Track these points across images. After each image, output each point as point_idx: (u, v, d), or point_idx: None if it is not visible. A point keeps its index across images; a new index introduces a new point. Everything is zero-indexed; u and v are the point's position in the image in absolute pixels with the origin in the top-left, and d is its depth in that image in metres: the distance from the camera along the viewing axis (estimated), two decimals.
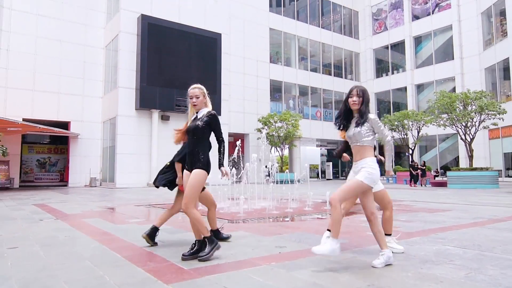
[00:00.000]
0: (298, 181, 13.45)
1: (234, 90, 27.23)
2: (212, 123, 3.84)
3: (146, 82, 20.96)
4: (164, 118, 21.90)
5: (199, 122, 3.82)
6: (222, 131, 3.97)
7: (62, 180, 25.34)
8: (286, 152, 30.43)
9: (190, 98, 3.87)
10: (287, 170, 26.79)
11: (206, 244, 3.65)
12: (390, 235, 3.99)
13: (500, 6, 24.84)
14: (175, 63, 21.81)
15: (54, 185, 24.77)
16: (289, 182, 19.55)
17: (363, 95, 3.45)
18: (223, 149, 3.89)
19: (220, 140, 3.89)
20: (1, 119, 17.40)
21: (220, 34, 23.83)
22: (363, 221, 6.41)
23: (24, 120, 20.08)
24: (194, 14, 23.51)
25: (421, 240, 4.54)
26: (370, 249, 4.05)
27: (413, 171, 21.00)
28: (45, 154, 26.30)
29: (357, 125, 3.41)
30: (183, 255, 3.72)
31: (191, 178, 3.72)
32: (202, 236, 3.71)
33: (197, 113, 3.92)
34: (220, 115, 23.57)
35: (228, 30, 25.64)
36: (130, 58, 21.30)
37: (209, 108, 3.94)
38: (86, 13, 23.45)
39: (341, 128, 3.66)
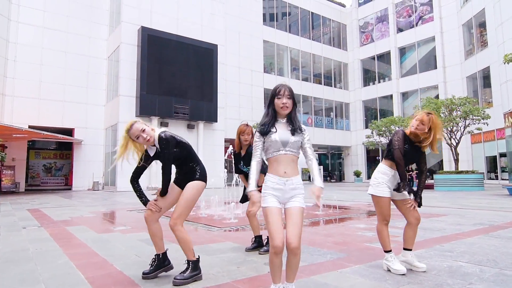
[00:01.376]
0: None
1: (230, 98, 26.48)
2: (162, 149, 2.93)
3: (146, 90, 20.16)
4: (163, 124, 21.08)
5: (166, 152, 2.95)
6: (185, 152, 3.07)
7: (67, 184, 24.39)
8: None
9: (137, 138, 2.89)
10: None
11: (188, 268, 2.88)
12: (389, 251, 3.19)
13: (480, 18, 24.30)
14: (173, 72, 21.05)
15: (59, 189, 23.81)
16: None
17: (293, 96, 2.47)
18: (163, 179, 2.98)
19: (162, 168, 2.95)
20: (7, 126, 16.60)
21: (216, 45, 23.12)
22: (359, 228, 5.64)
23: (30, 127, 19.25)
24: (192, 26, 22.81)
25: (427, 254, 3.75)
26: (374, 265, 3.26)
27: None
28: (51, 159, 25.34)
29: (293, 133, 2.42)
30: (143, 273, 2.98)
31: (187, 191, 2.97)
32: (186, 260, 2.95)
33: (154, 146, 2.99)
34: (216, 121, 22.82)
35: (224, 41, 24.91)
36: (130, 68, 20.54)
37: (157, 130, 2.99)
38: (90, 25, 22.69)
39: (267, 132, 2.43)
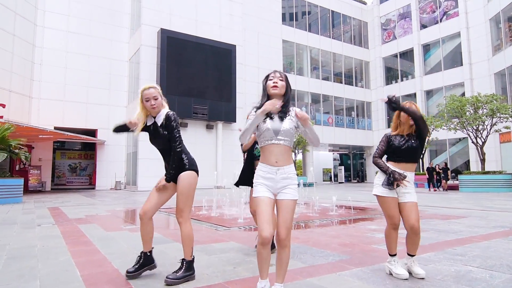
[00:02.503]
0: (311, 184, 12.55)
1: (249, 99, 26.40)
2: (168, 127, 2.92)
3: (165, 91, 20.35)
4: (183, 125, 21.30)
5: (161, 130, 2.95)
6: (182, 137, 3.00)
7: (91, 183, 25.03)
8: (300, 156, 29.39)
9: (147, 101, 2.92)
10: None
11: (182, 267, 2.83)
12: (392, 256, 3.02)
13: (509, 12, 23.21)
14: (192, 73, 21.24)
15: (84, 188, 24.51)
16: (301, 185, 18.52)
17: (287, 81, 2.44)
18: (174, 160, 2.92)
19: (174, 148, 2.91)
20: (32, 127, 17.22)
21: (234, 46, 23.17)
22: (369, 229, 5.45)
23: (55, 128, 19.88)
24: (210, 27, 22.96)
25: (435, 257, 3.55)
26: (376, 269, 3.11)
27: (433, 174, 18.76)
28: (76, 159, 26.10)
29: (282, 119, 2.35)
30: (127, 272, 2.93)
31: (181, 184, 2.91)
32: (181, 259, 2.92)
33: (154, 117, 3.00)
34: (235, 122, 22.85)
35: (242, 42, 24.96)
36: (150, 70, 20.88)
37: (166, 108, 3.02)
38: (112, 29, 23.24)
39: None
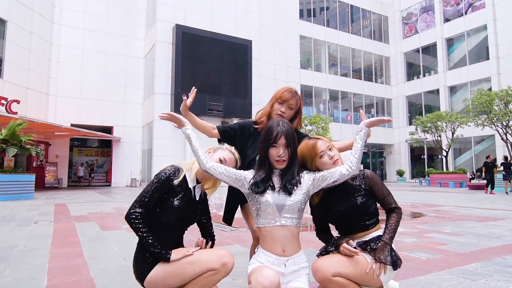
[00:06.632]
0: None
1: (265, 95, 25.77)
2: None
3: (180, 88, 20.03)
4: None
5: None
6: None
7: (107, 180, 24.96)
8: None
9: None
10: None
11: None
12: None
13: None
14: (207, 69, 20.77)
15: (101, 185, 24.45)
16: None
17: (293, 141, 1.75)
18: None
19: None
20: (47, 123, 17.14)
21: (250, 41, 22.58)
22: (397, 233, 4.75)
23: (72, 125, 19.74)
24: (226, 23, 22.44)
25: (484, 269, 2.85)
26: (409, 285, 2.45)
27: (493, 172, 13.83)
28: (93, 156, 26.11)
29: (290, 185, 1.71)
30: None
31: None
32: None
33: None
34: (251, 118, 22.08)
35: (259, 37, 24.34)
36: (166, 66, 20.54)
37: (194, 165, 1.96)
38: (128, 26, 23.01)
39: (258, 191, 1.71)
